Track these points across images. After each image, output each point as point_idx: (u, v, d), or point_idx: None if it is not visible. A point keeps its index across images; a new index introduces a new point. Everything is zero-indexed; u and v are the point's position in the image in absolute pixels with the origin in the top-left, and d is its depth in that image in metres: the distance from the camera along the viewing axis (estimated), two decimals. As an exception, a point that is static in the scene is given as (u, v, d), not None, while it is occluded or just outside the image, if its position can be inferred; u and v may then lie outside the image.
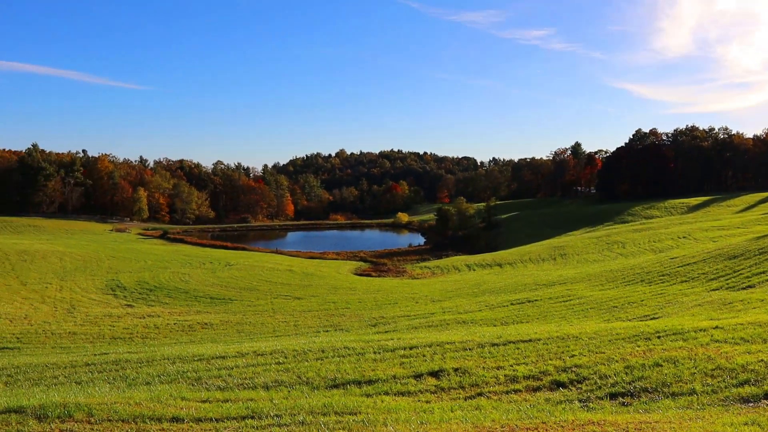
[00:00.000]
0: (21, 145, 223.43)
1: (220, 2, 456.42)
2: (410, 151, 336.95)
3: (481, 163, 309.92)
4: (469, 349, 14.29)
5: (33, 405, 8.99)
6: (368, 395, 10.68)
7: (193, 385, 12.46)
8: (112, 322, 34.03)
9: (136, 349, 21.58)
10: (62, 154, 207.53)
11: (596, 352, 12.70)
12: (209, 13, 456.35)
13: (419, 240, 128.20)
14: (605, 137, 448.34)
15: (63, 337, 28.72)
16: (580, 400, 9.70)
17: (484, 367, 12.19)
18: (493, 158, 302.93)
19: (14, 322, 33.63)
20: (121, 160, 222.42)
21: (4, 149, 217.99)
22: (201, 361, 15.71)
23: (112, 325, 32.51)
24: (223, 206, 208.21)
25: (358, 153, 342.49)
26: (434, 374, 11.93)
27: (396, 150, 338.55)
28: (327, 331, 28.73)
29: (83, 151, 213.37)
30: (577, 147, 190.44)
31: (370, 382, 11.69)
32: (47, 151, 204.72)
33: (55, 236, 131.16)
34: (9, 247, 79.30)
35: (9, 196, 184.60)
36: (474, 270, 68.00)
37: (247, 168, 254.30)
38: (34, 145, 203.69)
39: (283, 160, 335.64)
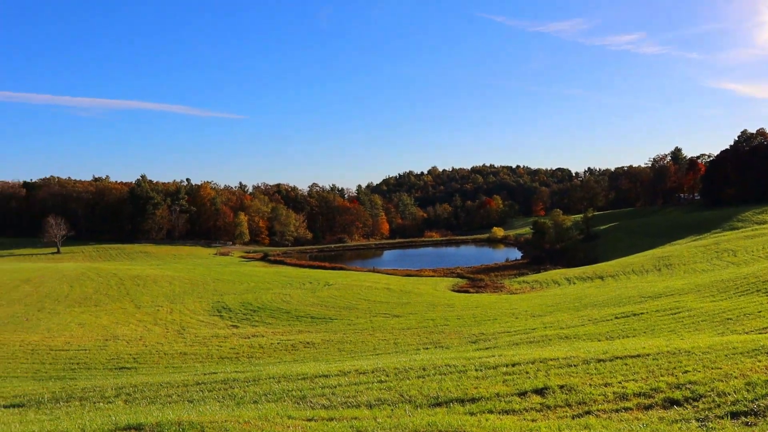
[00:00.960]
0: (131, 177, 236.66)
1: (309, 33, 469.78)
2: (503, 165, 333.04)
3: (576, 173, 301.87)
4: (574, 365, 13.90)
5: (150, 423, 9.44)
6: (472, 414, 10.56)
7: (298, 403, 12.72)
8: (220, 342, 35.27)
9: (243, 369, 22.25)
10: (168, 183, 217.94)
11: (712, 368, 12.05)
12: (298, 45, 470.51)
13: (516, 254, 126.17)
14: (707, 140, 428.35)
15: (175, 357, 30.02)
16: (697, 419, 9.21)
17: (590, 384, 11.81)
18: (589, 168, 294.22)
19: (131, 343, 35.47)
20: (222, 186, 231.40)
21: (116, 181, 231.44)
22: (305, 380, 16.02)
23: (219, 346, 33.71)
24: (320, 227, 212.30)
25: (450, 169, 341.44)
26: (539, 392, 11.66)
27: (488, 165, 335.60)
28: (427, 348, 28.67)
29: (187, 179, 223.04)
30: (677, 152, 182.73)
31: (473, 400, 11.57)
32: (154, 181, 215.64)
33: (164, 261, 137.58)
34: (124, 272, 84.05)
35: (122, 225, 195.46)
36: (574, 283, 66.20)
37: (342, 189, 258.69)
38: (143, 176, 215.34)
39: (377, 180, 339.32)
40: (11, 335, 38.97)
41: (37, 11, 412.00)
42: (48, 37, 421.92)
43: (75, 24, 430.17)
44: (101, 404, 15.26)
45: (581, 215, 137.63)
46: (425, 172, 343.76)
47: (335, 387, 14.49)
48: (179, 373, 23.36)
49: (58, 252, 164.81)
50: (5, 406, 16.13)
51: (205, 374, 20.42)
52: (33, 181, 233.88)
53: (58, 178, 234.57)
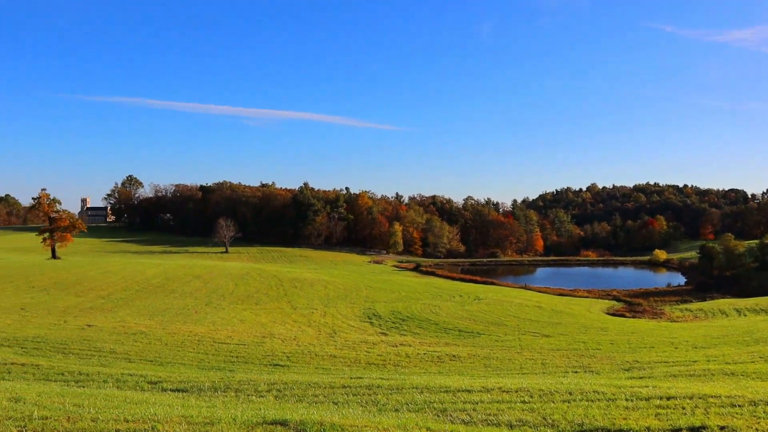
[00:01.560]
0: (295, 184, 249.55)
1: (470, 46, 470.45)
2: (668, 183, 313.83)
3: (753, 195, 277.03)
4: (739, 405, 12.73)
5: (295, 420, 9.82)
6: (619, 445, 9.99)
7: (438, 416, 12.67)
8: (368, 348, 36.04)
9: (388, 376, 22.56)
10: (328, 191, 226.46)
11: None
12: (458, 58, 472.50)
13: (679, 279, 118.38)
14: None
15: (324, 359, 31.05)
16: None
17: (757, 429, 10.76)
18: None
19: (285, 342, 37.17)
20: (379, 196, 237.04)
21: (281, 188, 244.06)
22: (447, 393, 15.94)
23: (367, 351, 34.44)
24: (473, 241, 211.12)
25: (611, 187, 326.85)
26: (695, 431, 10.80)
27: (652, 183, 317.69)
28: (576, 372, 27.55)
29: (346, 188, 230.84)
30: None
31: (620, 431, 10.95)
32: (316, 189, 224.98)
33: (321, 266, 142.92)
34: (284, 275, 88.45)
35: (284, 229, 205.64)
36: (745, 315, 60.82)
37: (497, 203, 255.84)
38: (305, 184, 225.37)
39: (533, 195, 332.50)
40: (182, 325, 42.23)
41: (220, 39, 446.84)
42: (226, 55, 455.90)
43: (249, 43, 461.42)
44: (254, 397, 16.10)
45: (757, 241, 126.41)
46: (584, 188, 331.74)
47: (477, 403, 14.30)
48: (327, 375, 24.13)
49: (227, 252, 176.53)
50: (171, 390, 17.47)
51: (351, 378, 20.92)
52: (208, 185, 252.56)
53: (230, 183, 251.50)
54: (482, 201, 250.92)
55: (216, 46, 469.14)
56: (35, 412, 10.49)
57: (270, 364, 28.62)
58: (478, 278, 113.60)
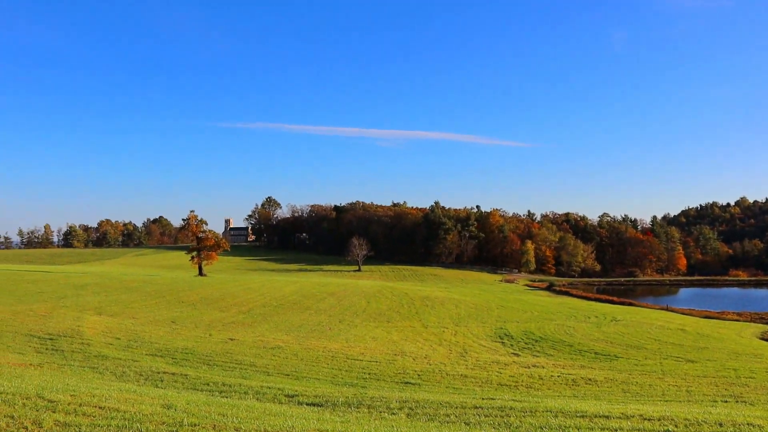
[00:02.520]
0: (425, 203, 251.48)
1: (602, 57, 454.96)
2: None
3: None
4: None
5: (428, 439, 9.87)
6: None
7: (574, 441, 12.27)
8: (499, 368, 35.46)
9: (520, 398, 22.08)
10: (459, 210, 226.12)
11: None
12: (586, 71, 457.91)
13: None
14: None
15: (455, 379, 30.87)
16: None
17: None
18: None
19: (416, 360, 37.35)
20: (510, 214, 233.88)
21: (412, 207, 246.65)
22: (583, 418, 15.38)
23: (499, 372, 33.89)
24: (609, 259, 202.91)
25: (763, 200, 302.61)
26: None
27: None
28: (725, 401, 25.64)
29: (477, 206, 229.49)
30: None
31: (778, 467, 10.09)
32: (446, 208, 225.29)
33: (452, 284, 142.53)
34: (415, 293, 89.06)
35: (416, 248, 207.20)
36: None
37: (635, 220, 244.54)
38: (436, 203, 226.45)
39: (674, 211, 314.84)
40: (316, 341, 43.54)
41: (351, 65, 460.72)
42: (357, 79, 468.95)
43: (378, 67, 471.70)
44: (386, 414, 16.30)
45: None
46: (732, 203, 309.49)
47: (616, 430, 13.70)
48: (459, 395, 23.97)
49: (359, 270, 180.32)
50: (307, 404, 18.05)
51: (483, 399, 20.67)
52: (342, 205, 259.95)
53: (362, 202, 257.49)
54: (619, 218, 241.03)
55: (348, 72, 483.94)
56: (185, 419, 11.24)
57: (401, 382, 28.83)
58: (614, 299, 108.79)
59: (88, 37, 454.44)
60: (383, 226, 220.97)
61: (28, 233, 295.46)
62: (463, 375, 32.01)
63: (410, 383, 28.70)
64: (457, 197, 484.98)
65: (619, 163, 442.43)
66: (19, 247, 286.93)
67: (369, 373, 31.03)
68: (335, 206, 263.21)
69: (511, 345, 49.42)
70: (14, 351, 33.37)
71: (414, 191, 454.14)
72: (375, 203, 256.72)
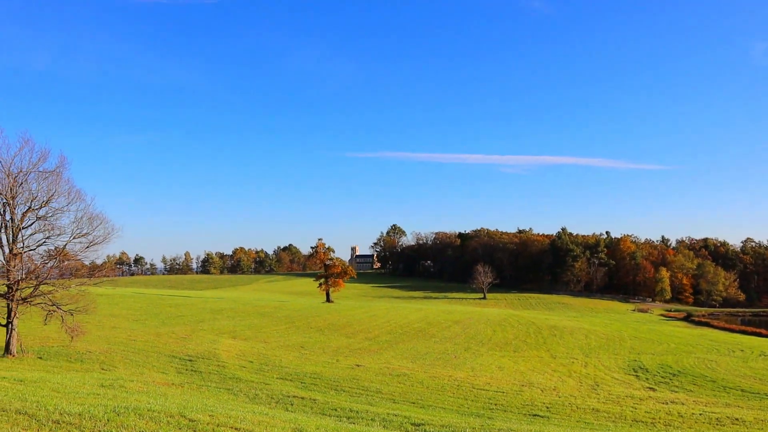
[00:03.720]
0: (552, 229, 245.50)
1: (742, 72, 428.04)
2: None
3: None
4: None
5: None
6: None
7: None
8: (634, 403, 33.75)
9: (658, 436, 20.93)
10: (587, 236, 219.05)
11: None
12: (723, 86, 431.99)
13: None
14: None
15: (587, 413, 29.71)
16: None
17: None
18: None
19: (545, 392, 36.32)
20: (643, 240, 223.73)
21: (538, 233, 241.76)
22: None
23: (633, 407, 32.26)
24: (755, 288, 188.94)
25: None
26: None
27: None
28: None
29: (606, 232, 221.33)
30: None
31: None
32: (574, 234, 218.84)
33: (581, 313, 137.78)
34: (542, 321, 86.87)
35: (542, 275, 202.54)
36: None
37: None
38: (563, 229, 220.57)
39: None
40: (441, 370, 43.39)
41: (468, 92, 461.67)
42: (478, 106, 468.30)
43: (503, 90, 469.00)
44: (514, 447, 15.99)
45: None
46: None
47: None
48: (590, 430, 23.10)
49: (484, 298, 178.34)
50: (432, 433, 18.03)
51: (616, 434, 19.81)
52: (466, 232, 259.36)
53: (487, 229, 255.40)
54: (765, 242, 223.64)
55: (472, 98, 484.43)
56: (315, 444, 11.56)
57: (529, 414, 28.14)
58: (763, 331, 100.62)
59: (220, 74, 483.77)
60: (508, 253, 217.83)
61: (171, 260, 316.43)
62: (594, 409, 30.76)
63: (539, 416, 27.94)
64: (585, 223, 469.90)
65: (763, 182, 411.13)
66: (163, 273, 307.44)
67: (495, 404, 30.54)
68: (459, 233, 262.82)
69: (646, 379, 46.94)
70: (158, 370, 35.69)
71: (540, 217, 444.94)
72: (500, 230, 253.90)
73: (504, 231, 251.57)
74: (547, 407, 30.35)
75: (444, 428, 18.74)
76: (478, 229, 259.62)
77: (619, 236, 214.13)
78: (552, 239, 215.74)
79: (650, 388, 42.35)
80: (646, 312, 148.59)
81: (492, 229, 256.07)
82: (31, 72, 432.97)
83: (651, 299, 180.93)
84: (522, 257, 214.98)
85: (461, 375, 41.15)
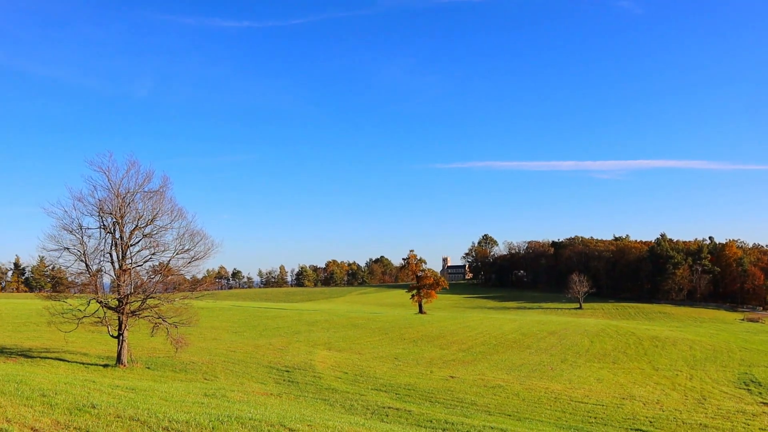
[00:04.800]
0: (650, 235, 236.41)
1: None
2: None
3: None
4: None
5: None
6: None
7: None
8: (746, 419, 31.96)
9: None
10: (689, 242, 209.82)
11: None
12: None
13: None
14: None
15: (694, 428, 28.39)
16: None
17: None
18: None
19: (647, 405, 34.96)
20: (750, 245, 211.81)
21: (636, 240, 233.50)
22: None
23: (746, 423, 30.56)
24: None
25: None
26: None
27: None
28: None
29: (710, 237, 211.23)
30: None
31: None
32: (674, 240, 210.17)
33: (684, 323, 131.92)
34: (642, 332, 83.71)
35: (640, 284, 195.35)
36: None
37: None
38: (663, 235, 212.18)
39: None
40: (537, 381, 42.54)
41: (557, 97, 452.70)
42: (568, 110, 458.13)
43: (586, 96, 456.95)
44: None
45: None
46: None
47: None
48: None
49: (580, 308, 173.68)
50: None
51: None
52: (560, 240, 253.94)
53: (581, 237, 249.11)
54: None
55: (560, 104, 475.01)
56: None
57: (631, 428, 27.19)
58: None
59: (311, 93, 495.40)
60: (604, 261, 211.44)
61: (267, 273, 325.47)
62: (702, 424, 29.36)
63: (641, 430, 26.97)
64: (686, 228, 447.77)
65: None
66: (259, 286, 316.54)
67: (594, 417, 29.68)
68: (553, 242, 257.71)
69: (760, 393, 44.32)
70: (257, 381, 36.77)
71: (637, 223, 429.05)
72: (595, 237, 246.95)
73: (599, 238, 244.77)
74: (651, 422, 29.22)
75: (542, 442, 18.39)
76: (572, 237, 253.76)
77: (723, 241, 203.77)
78: (651, 246, 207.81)
79: (765, 403, 39.98)
80: (757, 321, 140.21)
81: (587, 236, 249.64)
82: (135, 99, 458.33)
83: (762, 308, 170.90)
84: (619, 265, 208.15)
85: (558, 387, 40.23)
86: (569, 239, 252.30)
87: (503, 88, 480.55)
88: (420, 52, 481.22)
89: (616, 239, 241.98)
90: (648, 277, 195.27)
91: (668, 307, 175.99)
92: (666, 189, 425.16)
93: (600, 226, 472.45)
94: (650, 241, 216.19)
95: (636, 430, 26.96)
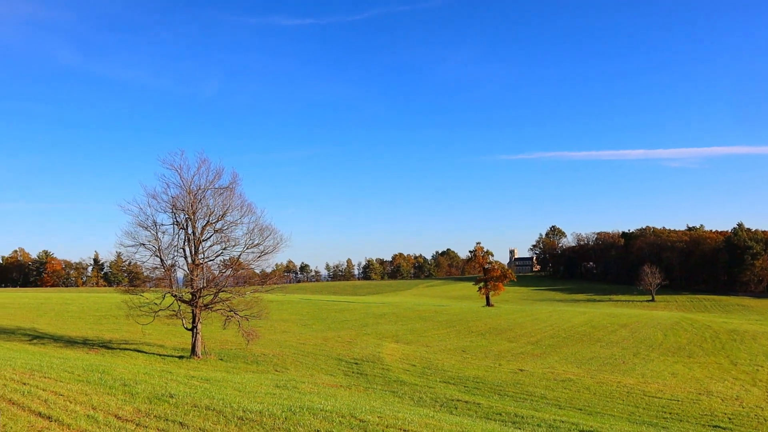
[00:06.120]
0: (727, 225, 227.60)
1: None
2: None
3: None
4: None
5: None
6: None
7: None
8: (834, 417, 30.58)
9: None
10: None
11: None
12: None
13: None
14: None
15: (776, 425, 27.36)
16: None
17: None
18: None
19: (725, 401, 33.83)
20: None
21: (711, 230, 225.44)
22: None
23: (833, 421, 29.24)
24: None
25: None
26: None
27: None
28: None
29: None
30: None
31: None
32: (753, 230, 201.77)
33: (764, 316, 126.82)
34: (718, 325, 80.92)
35: (716, 276, 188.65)
36: None
37: None
38: (740, 225, 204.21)
39: None
40: (609, 375, 41.72)
41: (619, 83, 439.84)
42: (638, 98, 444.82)
43: (652, 84, 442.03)
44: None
45: None
46: None
47: None
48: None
49: (653, 300, 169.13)
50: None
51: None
52: (630, 231, 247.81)
53: (653, 227, 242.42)
54: None
55: (629, 90, 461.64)
56: (483, 448, 11.65)
57: (708, 425, 26.39)
58: None
59: (373, 88, 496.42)
60: (677, 253, 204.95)
61: (334, 267, 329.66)
62: (785, 421, 28.22)
63: (720, 427, 26.14)
64: (766, 217, 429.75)
65: None
66: (326, 280, 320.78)
67: (669, 413, 28.94)
68: (623, 233, 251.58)
69: None
70: (326, 372, 37.38)
71: (711, 213, 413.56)
72: (667, 228, 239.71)
73: (672, 229, 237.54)
74: (729, 418, 28.29)
75: (615, 437, 18.08)
76: (643, 227, 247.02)
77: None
78: (727, 236, 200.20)
79: None
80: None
81: (658, 227, 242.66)
82: (204, 97, 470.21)
83: None
84: (693, 256, 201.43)
85: (631, 381, 39.37)
86: (640, 230, 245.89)
87: (568, 75, 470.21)
88: (483, 41, 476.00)
89: (690, 229, 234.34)
90: (724, 269, 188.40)
91: (747, 299, 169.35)
92: (742, 176, 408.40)
93: (672, 216, 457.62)
94: (727, 231, 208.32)
95: (714, 426, 26.16)
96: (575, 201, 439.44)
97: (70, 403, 15.05)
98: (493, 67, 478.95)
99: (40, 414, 13.52)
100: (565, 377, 39.25)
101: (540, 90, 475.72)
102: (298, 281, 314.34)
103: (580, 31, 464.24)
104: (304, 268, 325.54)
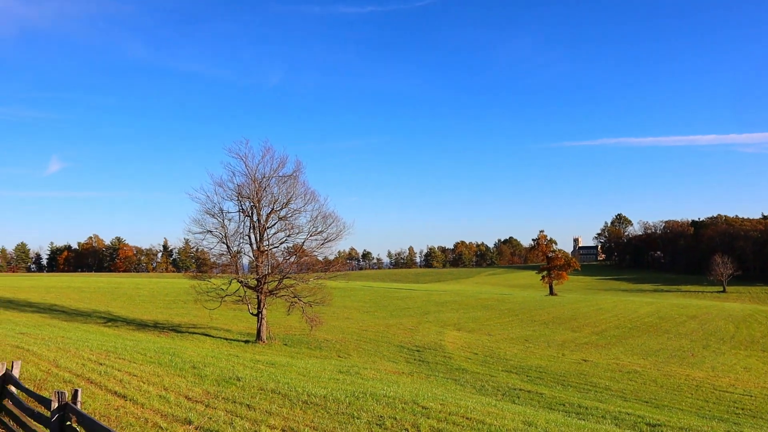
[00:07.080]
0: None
1: None
2: None
3: None
4: None
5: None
6: None
7: None
8: None
9: None
10: None
11: None
12: None
13: None
14: None
15: None
16: None
17: None
18: None
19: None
20: None
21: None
22: None
23: None
24: None
25: None
26: None
27: None
28: None
29: None
30: None
31: None
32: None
33: None
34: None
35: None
36: None
37: None
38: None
39: None
40: (677, 368, 40.67)
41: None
42: (698, 82, 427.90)
43: (725, 65, 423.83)
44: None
45: None
46: None
47: None
48: None
49: (724, 291, 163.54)
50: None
51: None
52: (700, 219, 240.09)
53: (725, 216, 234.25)
54: None
55: (696, 71, 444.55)
56: (546, 438, 11.59)
57: (784, 422, 25.42)
58: None
59: (433, 74, 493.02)
60: (751, 242, 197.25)
61: (396, 255, 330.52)
62: None
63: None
64: None
65: None
66: (388, 267, 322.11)
67: (742, 408, 28.03)
68: (693, 221, 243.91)
69: None
70: (388, 359, 37.69)
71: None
72: (740, 216, 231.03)
73: (745, 217, 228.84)
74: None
75: (683, 431, 17.66)
76: (714, 216, 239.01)
77: None
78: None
79: None
80: None
81: (731, 215, 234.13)
82: (268, 87, 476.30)
83: None
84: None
85: (700, 374, 38.28)
86: (711, 218, 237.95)
87: (634, 58, 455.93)
88: (546, 24, 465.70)
89: (765, 218, 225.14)
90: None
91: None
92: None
93: (745, 204, 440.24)
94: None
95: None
96: (642, 188, 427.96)
97: (144, 383, 15.67)
98: (555, 51, 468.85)
99: (116, 393, 14.13)
100: (630, 369, 38.48)
101: (603, 74, 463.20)
102: (361, 268, 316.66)
103: (649, 8, 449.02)
104: (366, 255, 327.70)
